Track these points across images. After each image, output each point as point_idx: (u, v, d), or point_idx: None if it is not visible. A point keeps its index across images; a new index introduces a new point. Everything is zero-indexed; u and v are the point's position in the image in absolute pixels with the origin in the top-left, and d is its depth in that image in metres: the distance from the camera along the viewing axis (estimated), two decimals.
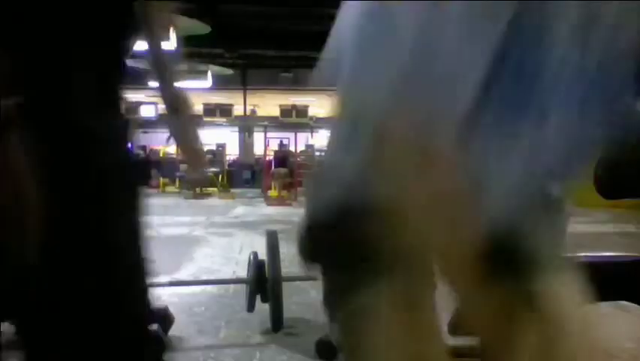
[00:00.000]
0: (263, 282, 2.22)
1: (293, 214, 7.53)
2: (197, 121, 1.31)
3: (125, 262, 0.76)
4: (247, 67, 15.06)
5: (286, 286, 2.26)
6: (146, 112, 16.04)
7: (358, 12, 0.61)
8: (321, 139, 19.80)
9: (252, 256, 2.33)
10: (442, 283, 0.66)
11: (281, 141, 16.81)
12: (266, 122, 17.66)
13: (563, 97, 0.50)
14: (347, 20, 0.66)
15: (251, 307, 2.28)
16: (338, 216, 0.56)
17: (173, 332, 2.16)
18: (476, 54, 0.47)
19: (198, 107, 17.51)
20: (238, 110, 17.36)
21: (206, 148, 16.72)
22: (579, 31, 0.49)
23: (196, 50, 11.43)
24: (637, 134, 0.58)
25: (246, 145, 17.46)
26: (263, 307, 2.25)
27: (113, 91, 0.76)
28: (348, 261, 0.58)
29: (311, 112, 17.14)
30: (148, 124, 20.34)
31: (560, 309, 0.59)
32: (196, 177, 1.22)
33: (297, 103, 18.14)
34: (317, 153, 15.33)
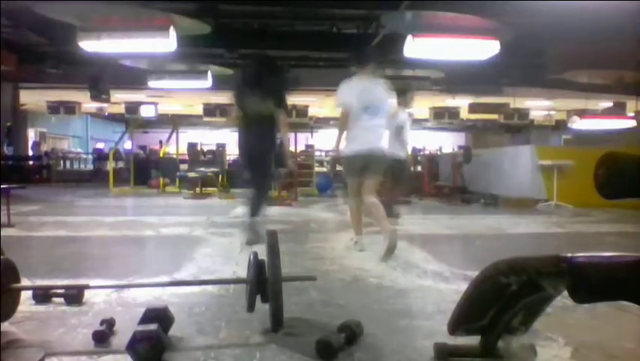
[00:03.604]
0: (263, 282, 2.22)
1: (293, 214, 7.53)
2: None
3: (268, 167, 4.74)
4: (247, 67, 15.05)
5: (286, 286, 2.26)
6: (146, 112, 16.01)
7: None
8: (321, 139, 19.81)
9: (252, 256, 2.33)
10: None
11: (281, 141, 16.62)
12: None
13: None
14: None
15: (251, 307, 2.27)
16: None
17: (173, 332, 2.16)
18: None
19: (198, 107, 17.51)
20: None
21: (206, 148, 16.45)
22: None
23: (196, 50, 11.42)
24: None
25: None
26: (263, 307, 2.25)
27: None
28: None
29: (311, 112, 17.12)
30: (148, 124, 20.30)
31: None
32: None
33: (297, 103, 18.10)
34: (317, 153, 15.34)
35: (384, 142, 4.23)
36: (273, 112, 4.59)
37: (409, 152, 7.43)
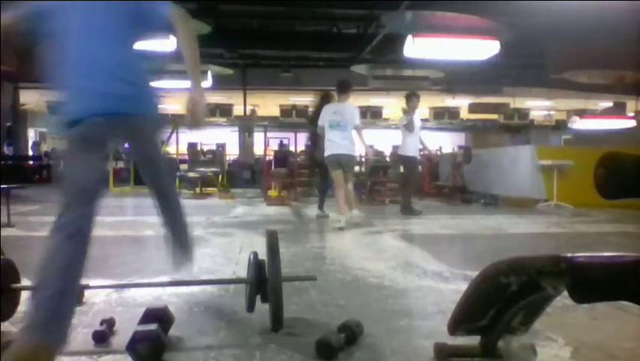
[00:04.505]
0: (263, 282, 2.22)
1: (293, 214, 7.53)
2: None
3: None
4: (247, 67, 15.04)
5: (286, 286, 2.26)
6: None
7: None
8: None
9: (251, 256, 2.33)
10: None
11: (281, 141, 16.72)
12: (266, 122, 17.61)
13: None
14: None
15: (251, 307, 2.27)
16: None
17: (173, 332, 2.16)
18: None
19: None
20: (238, 110, 17.32)
21: (206, 148, 16.42)
22: None
23: None
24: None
25: (245, 145, 17.44)
26: (263, 307, 2.25)
27: None
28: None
29: (311, 112, 17.14)
30: None
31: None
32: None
33: (297, 103, 18.10)
34: None
35: (352, 148, 5.98)
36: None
37: (421, 151, 8.26)
